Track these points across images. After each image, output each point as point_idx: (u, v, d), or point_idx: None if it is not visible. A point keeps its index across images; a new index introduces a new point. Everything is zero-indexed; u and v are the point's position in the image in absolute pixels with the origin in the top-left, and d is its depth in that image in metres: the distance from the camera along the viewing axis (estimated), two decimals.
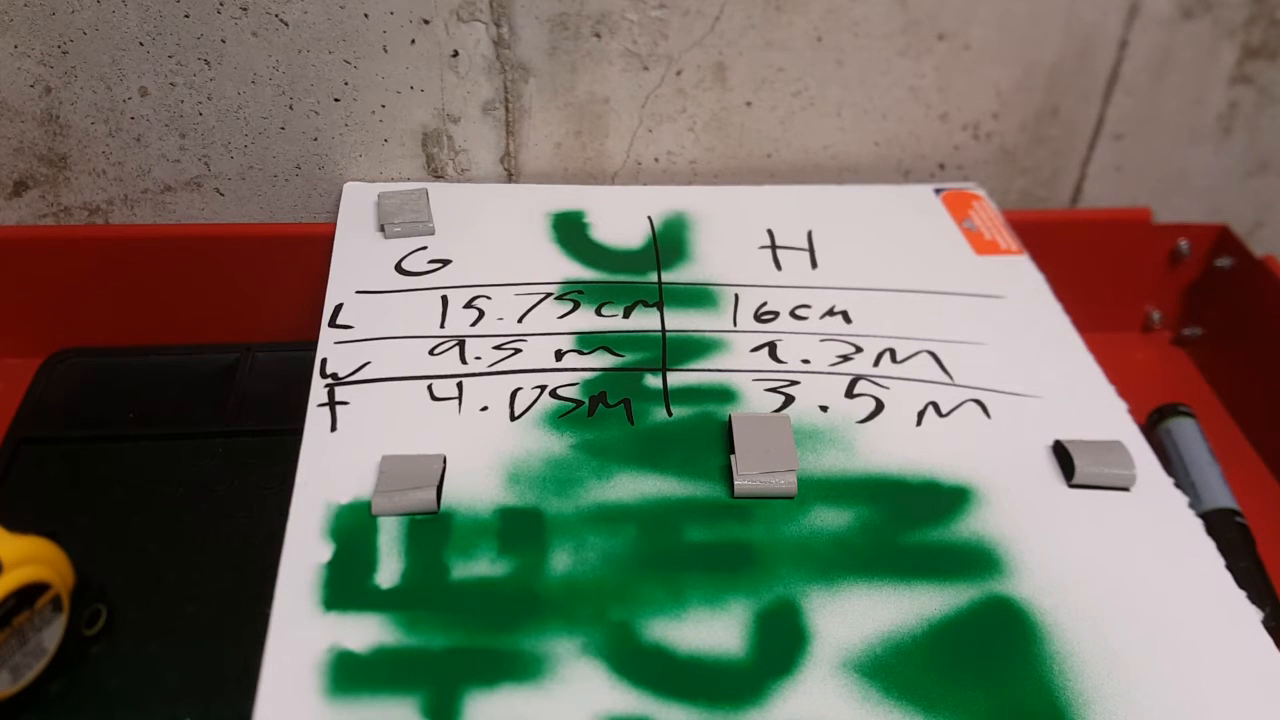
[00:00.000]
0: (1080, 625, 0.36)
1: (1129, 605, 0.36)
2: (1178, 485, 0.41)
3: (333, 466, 0.38)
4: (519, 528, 0.37)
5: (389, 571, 0.35)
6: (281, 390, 0.46)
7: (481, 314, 0.46)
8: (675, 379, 0.43)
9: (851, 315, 0.47)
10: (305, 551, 0.36)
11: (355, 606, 0.34)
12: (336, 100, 0.51)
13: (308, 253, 0.50)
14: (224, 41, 0.49)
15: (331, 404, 0.41)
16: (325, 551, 0.36)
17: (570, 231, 0.51)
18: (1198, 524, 0.39)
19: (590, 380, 0.43)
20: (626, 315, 0.46)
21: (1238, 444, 0.53)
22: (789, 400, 0.43)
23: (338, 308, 0.45)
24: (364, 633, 0.34)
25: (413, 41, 0.50)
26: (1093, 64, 0.56)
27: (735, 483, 0.39)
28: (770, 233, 0.52)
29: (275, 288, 0.52)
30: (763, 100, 0.54)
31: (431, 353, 0.44)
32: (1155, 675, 0.34)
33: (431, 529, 0.37)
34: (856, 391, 0.43)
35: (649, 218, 0.52)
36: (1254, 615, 0.36)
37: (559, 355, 0.44)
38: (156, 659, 0.37)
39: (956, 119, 0.56)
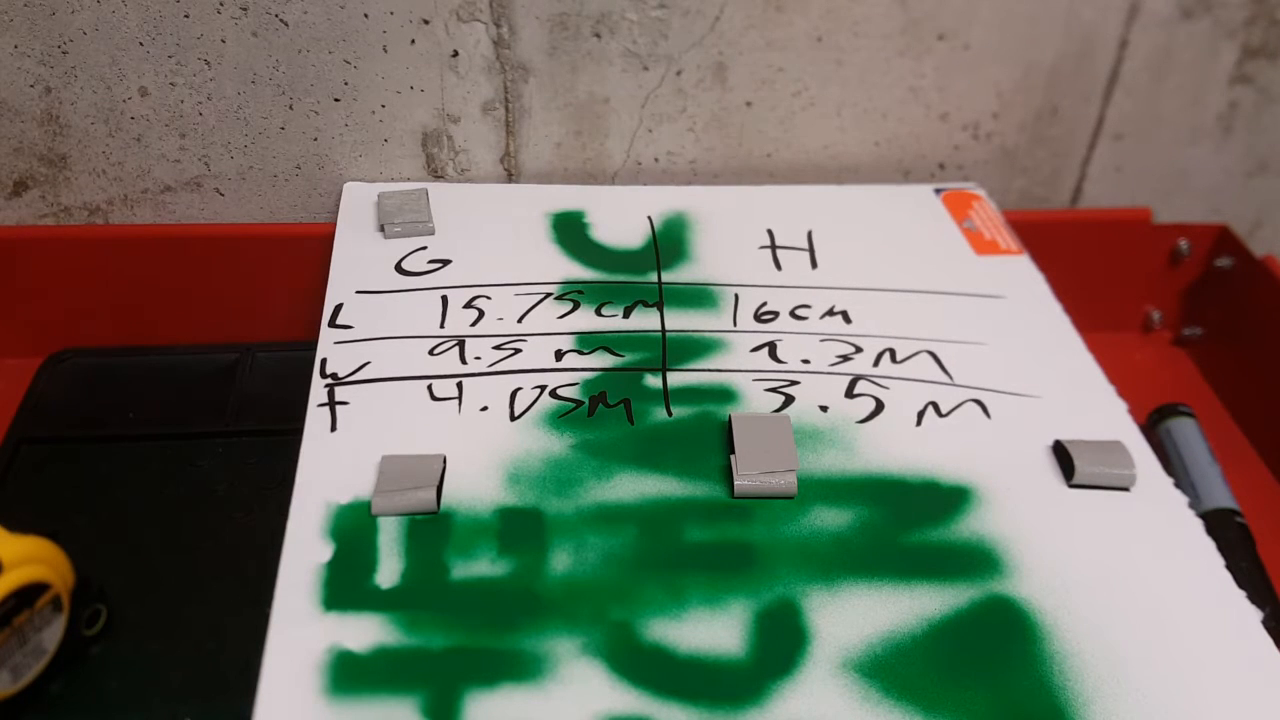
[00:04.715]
0: (1080, 625, 0.36)
1: (1129, 605, 0.36)
2: (1178, 485, 0.41)
3: (333, 466, 0.38)
4: (519, 528, 0.37)
5: (389, 571, 0.36)
6: (281, 390, 0.46)
7: (481, 314, 0.46)
8: (675, 379, 0.43)
9: (851, 315, 0.47)
10: (305, 551, 0.36)
11: (355, 606, 0.34)
12: (336, 100, 0.51)
13: (308, 253, 0.50)
14: (224, 41, 0.49)
15: (331, 404, 0.41)
16: (325, 551, 0.36)
17: (570, 231, 0.51)
18: (1198, 524, 0.39)
19: (590, 380, 0.43)
20: (626, 315, 0.46)
21: (1238, 444, 0.53)
22: (789, 400, 0.43)
23: (338, 308, 0.45)
24: (364, 633, 0.34)
25: (413, 41, 0.50)
26: (1093, 64, 0.56)
27: (735, 483, 0.39)
28: (770, 233, 0.52)
29: (275, 288, 0.52)
30: (763, 100, 0.54)
31: (431, 353, 0.44)
32: (1155, 675, 0.34)
33: (431, 529, 0.37)
34: (856, 391, 0.43)
35: (649, 218, 0.52)
36: (1254, 615, 0.36)
37: (559, 355, 0.44)
38: (156, 659, 0.37)
39: (956, 119, 0.56)
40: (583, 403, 0.42)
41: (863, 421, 0.42)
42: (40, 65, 0.48)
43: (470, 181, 0.54)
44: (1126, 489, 0.40)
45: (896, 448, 0.41)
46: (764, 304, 0.48)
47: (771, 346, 0.45)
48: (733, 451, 0.40)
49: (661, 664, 0.34)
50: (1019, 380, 0.45)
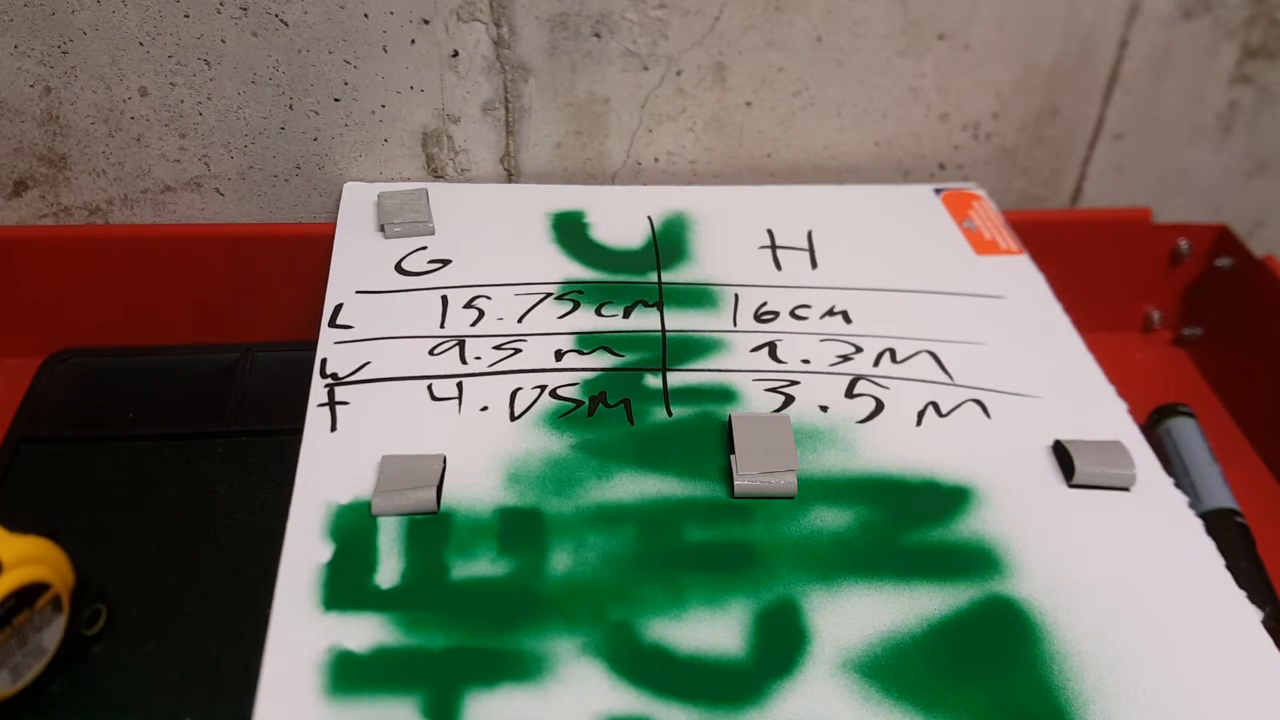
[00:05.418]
0: (1080, 625, 0.36)
1: (1129, 605, 0.36)
2: (1178, 485, 0.41)
3: (333, 466, 0.38)
4: (519, 528, 0.37)
5: (389, 571, 0.35)
6: (281, 390, 0.46)
7: (481, 314, 0.46)
8: (675, 379, 0.43)
9: (851, 315, 0.47)
10: (305, 551, 0.36)
11: (355, 606, 0.34)
12: (336, 100, 0.51)
13: (308, 253, 0.50)
14: (224, 41, 0.49)
15: (331, 404, 0.41)
16: (325, 551, 0.36)
17: (570, 231, 0.51)
18: (1198, 524, 0.39)
19: (590, 380, 0.43)
20: (626, 315, 0.46)
21: (1238, 444, 0.53)
22: (789, 400, 0.43)
23: (338, 308, 0.45)
24: (364, 633, 0.34)
25: (413, 41, 0.50)
26: (1093, 64, 0.56)
27: (735, 483, 0.39)
28: (770, 233, 0.52)
29: (275, 288, 0.52)
30: (763, 100, 0.54)
31: (431, 353, 0.44)
32: (1155, 675, 0.34)
33: (431, 529, 0.37)
34: (856, 391, 0.43)
35: (649, 218, 0.52)
36: (1254, 615, 0.36)
37: (559, 355, 0.44)
38: (156, 659, 0.37)
39: (956, 119, 0.56)
40: (583, 403, 0.42)
41: (863, 421, 0.42)
42: (40, 65, 0.48)
43: (470, 181, 0.54)
44: (1126, 489, 0.40)
45: (896, 448, 0.41)
46: (764, 304, 0.48)
47: (771, 346, 0.45)
48: (733, 451, 0.40)
49: (661, 664, 0.34)
50: (1019, 380, 0.45)
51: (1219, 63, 0.57)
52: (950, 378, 0.45)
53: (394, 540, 0.36)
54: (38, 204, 0.52)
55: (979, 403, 0.43)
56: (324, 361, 0.43)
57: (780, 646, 0.34)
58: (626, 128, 0.54)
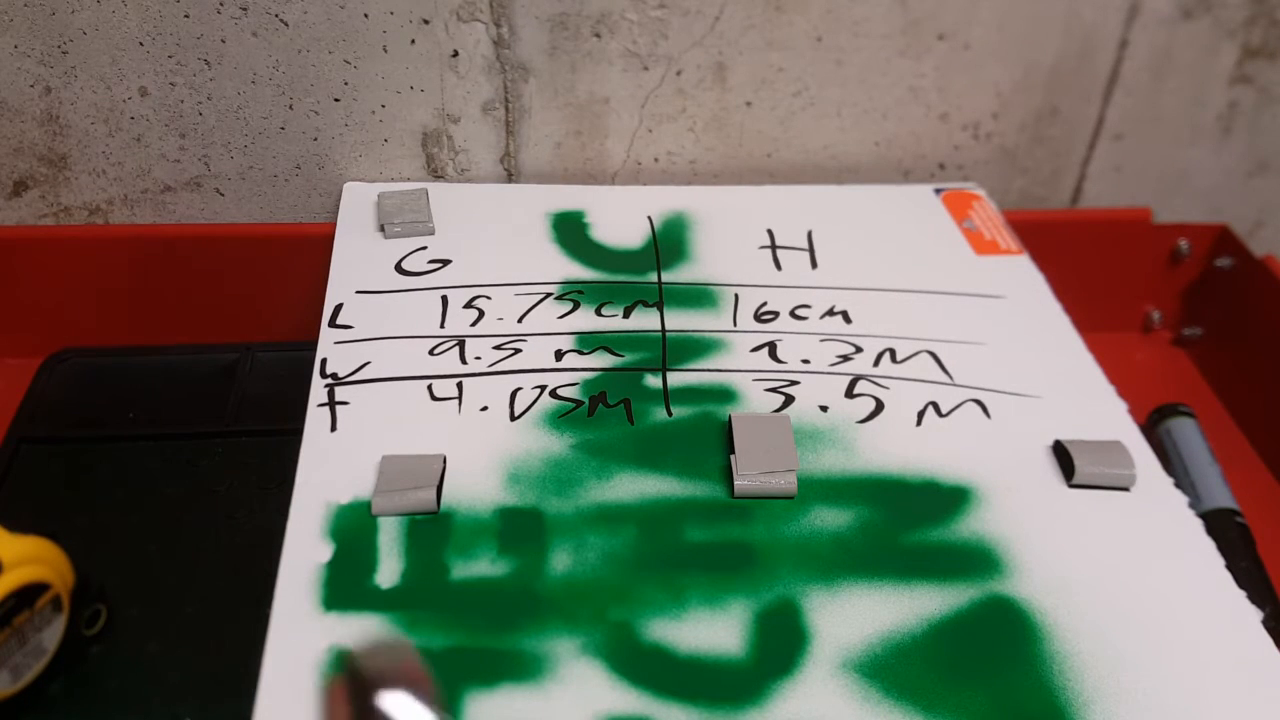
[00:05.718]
0: (1080, 625, 0.35)
1: (1129, 605, 0.36)
2: (1178, 485, 0.41)
3: (333, 466, 0.38)
4: (519, 528, 0.37)
5: (389, 571, 0.35)
6: (281, 390, 0.46)
7: (481, 314, 0.46)
8: (675, 379, 0.43)
9: (851, 315, 0.47)
10: (305, 551, 0.36)
11: (355, 606, 0.34)
12: (336, 100, 0.51)
13: (308, 253, 0.50)
14: (224, 41, 0.49)
15: (331, 404, 0.41)
16: (325, 551, 0.36)
17: (570, 231, 0.51)
18: (1198, 524, 0.39)
19: (590, 380, 0.43)
20: (626, 315, 0.46)
21: (1238, 444, 0.53)
22: (789, 400, 0.43)
23: (338, 308, 0.45)
24: (364, 633, 0.34)
25: (413, 41, 0.50)
26: (1093, 64, 0.56)
27: (735, 483, 0.39)
28: (770, 233, 0.52)
29: (275, 288, 0.52)
30: (763, 100, 0.54)
31: (431, 353, 0.44)
32: (1155, 675, 0.34)
33: (431, 529, 0.37)
34: (856, 391, 0.43)
35: (649, 218, 0.52)
36: (1254, 615, 0.36)
37: (559, 355, 0.44)
38: (156, 659, 0.37)
39: (956, 119, 0.56)
40: (583, 403, 0.42)
41: (863, 421, 0.42)
42: (40, 65, 0.48)
43: (470, 181, 0.54)
44: (1126, 489, 0.40)
45: (896, 448, 0.41)
46: (764, 304, 0.48)
47: (771, 346, 0.45)
48: (733, 451, 0.40)
49: (661, 664, 0.34)
50: (1019, 380, 0.45)
51: (1219, 63, 0.57)
52: (950, 378, 0.45)
53: (394, 540, 0.36)
54: (38, 204, 0.52)
55: (979, 403, 0.43)
56: (324, 361, 0.43)
57: (780, 646, 0.34)
58: (626, 128, 0.54)
